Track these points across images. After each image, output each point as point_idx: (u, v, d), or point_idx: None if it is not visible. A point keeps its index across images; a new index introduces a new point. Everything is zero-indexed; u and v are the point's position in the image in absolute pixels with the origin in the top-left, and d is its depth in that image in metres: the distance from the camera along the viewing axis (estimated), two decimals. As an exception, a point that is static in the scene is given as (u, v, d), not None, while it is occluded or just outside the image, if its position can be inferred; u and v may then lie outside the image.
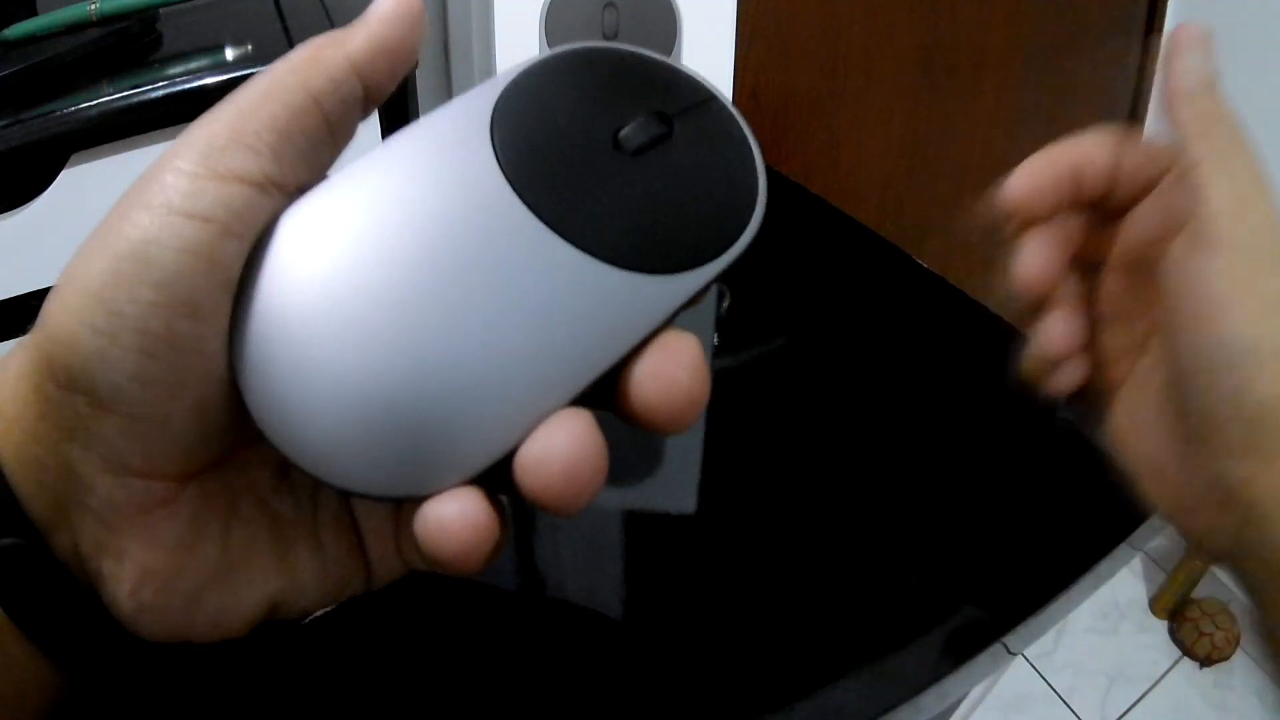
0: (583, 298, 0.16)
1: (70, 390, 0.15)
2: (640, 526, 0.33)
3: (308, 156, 0.17)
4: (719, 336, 0.43)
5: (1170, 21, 1.15)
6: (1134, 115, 1.22)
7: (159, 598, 0.17)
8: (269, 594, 0.19)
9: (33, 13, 0.38)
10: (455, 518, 0.16)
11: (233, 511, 0.18)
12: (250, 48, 0.38)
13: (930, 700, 0.28)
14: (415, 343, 0.16)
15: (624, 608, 0.30)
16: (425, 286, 0.16)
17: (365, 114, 0.18)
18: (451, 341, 0.16)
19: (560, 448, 0.16)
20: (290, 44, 0.39)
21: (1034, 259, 0.25)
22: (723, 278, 0.18)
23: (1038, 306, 0.26)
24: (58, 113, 0.34)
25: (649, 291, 0.17)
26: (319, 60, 0.17)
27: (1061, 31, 1.09)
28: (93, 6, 0.37)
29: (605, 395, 0.17)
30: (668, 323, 0.17)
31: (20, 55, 0.35)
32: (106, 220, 0.16)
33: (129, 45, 0.38)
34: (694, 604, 0.30)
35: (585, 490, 0.17)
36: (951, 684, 0.28)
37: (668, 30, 0.42)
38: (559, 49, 0.19)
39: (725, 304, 0.45)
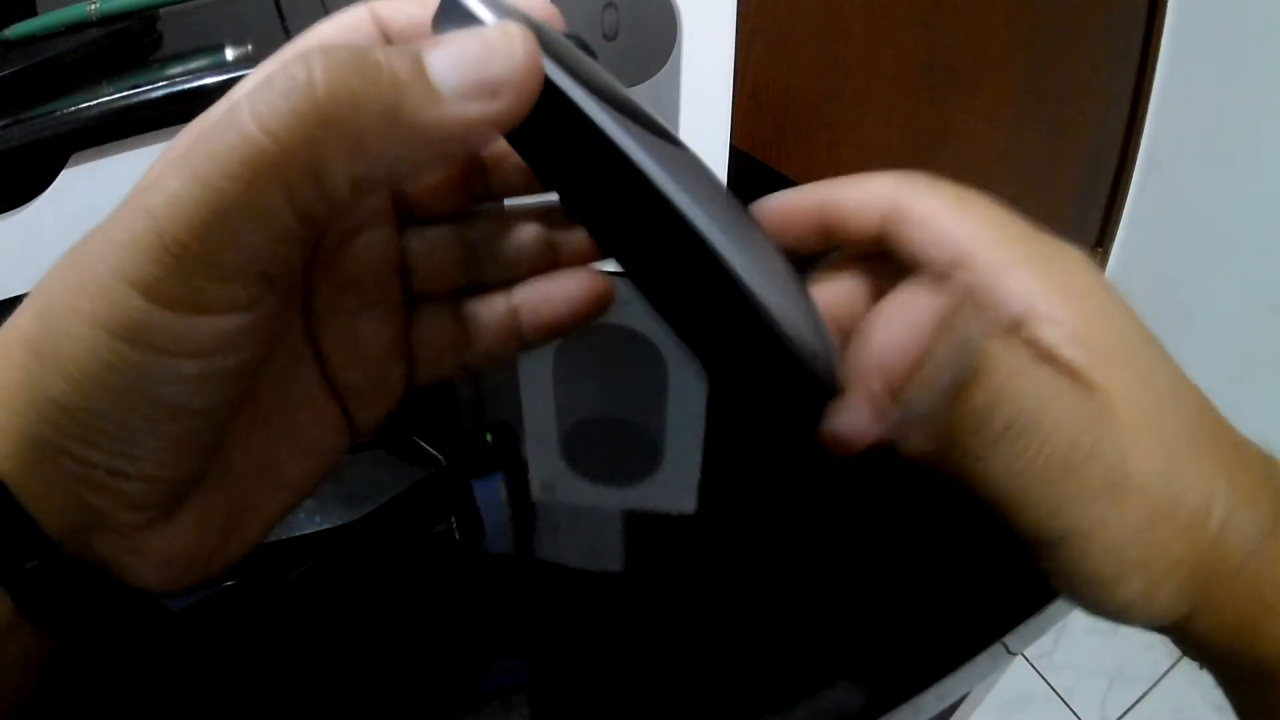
0: None
1: (63, 454, 0.16)
2: (640, 526, 0.33)
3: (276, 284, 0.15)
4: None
5: (1170, 21, 1.15)
6: (1134, 114, 1.22)
7: (183, 572, 0.18)
8: (269, 523, 0.20)
9: (33, 13, 0.38)
10: None
11: (231, 480, 0.19)
12: (250, 48, 0.38)
13: (930, 700, 0.28)
14: None
15: (624, 608, 0.30)
16: None
17: None
18: None
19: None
20: (290, 44, 0.39)
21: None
22: None
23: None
24: (58, 113, 0.34)
25: None
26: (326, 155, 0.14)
27: (1061, 31, 1.09)
28: (93, 6, 0.37)
29: None
30: None
31: (20, 55, 0.35)
32: (53, 299, 0.15)
33: (129, 45, 0.38)
34: (694, 604, 0.30)
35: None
36: (951, 684, 0.28)
37: (668, 30, 0.42)
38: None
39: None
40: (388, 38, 0.18)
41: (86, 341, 0.14)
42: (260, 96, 0.14)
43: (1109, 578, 0.18)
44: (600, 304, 0.20)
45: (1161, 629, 0.19)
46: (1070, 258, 0.19)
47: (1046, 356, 0.17)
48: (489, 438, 0.37)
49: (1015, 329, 0.18)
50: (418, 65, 0.14)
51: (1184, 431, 0.18)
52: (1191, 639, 0.19)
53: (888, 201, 0.20)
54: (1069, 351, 0.17)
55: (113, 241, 0.14)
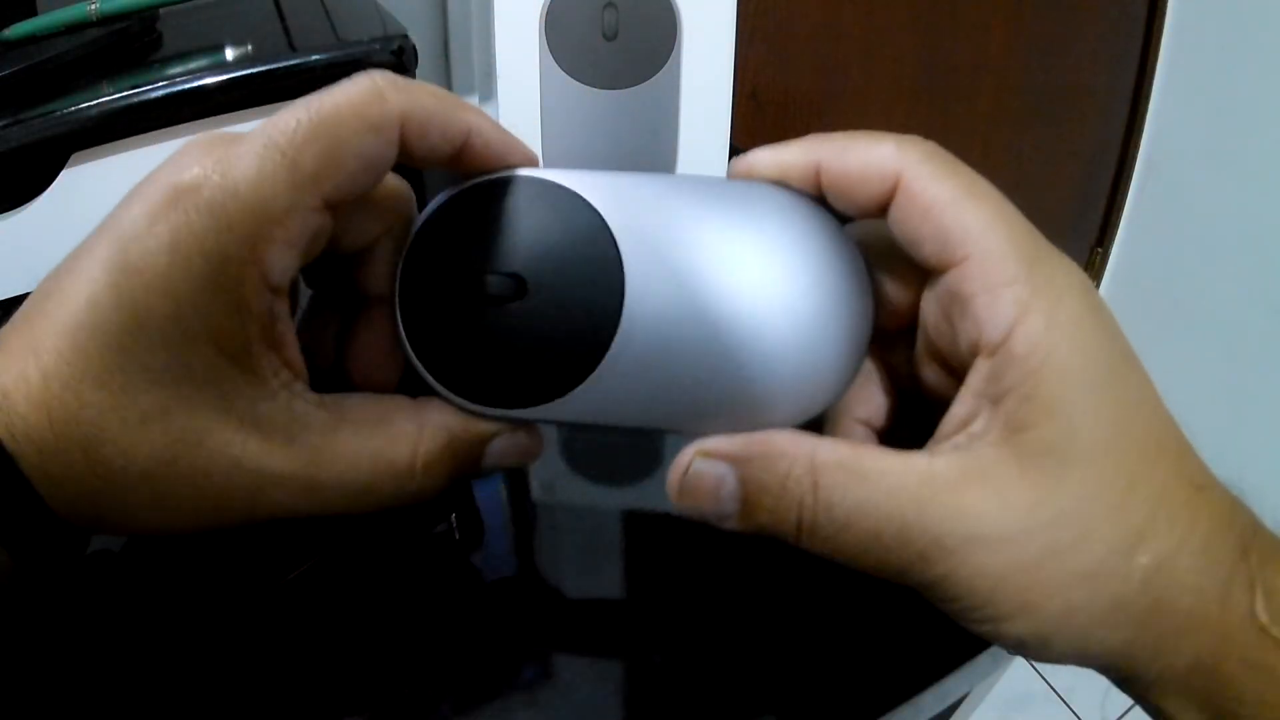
0: None
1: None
2: (640, 527, 0.33)
3: None
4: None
5: (1170, 21, 1.15)
6: (1134, 114, 1.23)
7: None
8: None
9: (33, 13, 0.38)
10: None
11: None
12: (250, 48, 0.38)
13: (930, 700, 0.28)
14: None
15: (624, 608, 0.30)
16: None
17: None
18: None
19: None
20: (291, 44, 0.39)
21: None
22: None
23: None
24: (58, 113, 0.34)
25: None
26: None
27: (1061, 31, 1.09)
28: (93, 6, 0.37)
29: None
30: None
31: (20, 55, 0.35)
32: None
33: (129, 45, 0.38)
34: (693, 604, 0.30)
35: None
36: (951, 684, 0.28)
37: (667, 30, 0.42)
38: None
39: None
40: (404, 132, 0.19)
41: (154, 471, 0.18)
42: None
43: (992, 617, 0.18)
44: None
45: (1098, 668, 0.19)
46: (1065, 272, 0.18)
47: (994, 397, 0.18)
48: (489, 438, 0.37)
49: (990, 352, 0.18)
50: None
51: (1120, 476, 0.17)
52: (1136, 682, 0.18)
53: (892, 175, 0.19)
54: (1011, 402, 0.18)
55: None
